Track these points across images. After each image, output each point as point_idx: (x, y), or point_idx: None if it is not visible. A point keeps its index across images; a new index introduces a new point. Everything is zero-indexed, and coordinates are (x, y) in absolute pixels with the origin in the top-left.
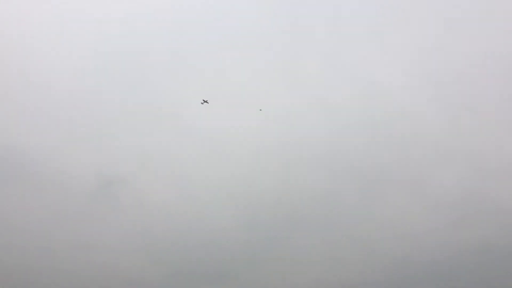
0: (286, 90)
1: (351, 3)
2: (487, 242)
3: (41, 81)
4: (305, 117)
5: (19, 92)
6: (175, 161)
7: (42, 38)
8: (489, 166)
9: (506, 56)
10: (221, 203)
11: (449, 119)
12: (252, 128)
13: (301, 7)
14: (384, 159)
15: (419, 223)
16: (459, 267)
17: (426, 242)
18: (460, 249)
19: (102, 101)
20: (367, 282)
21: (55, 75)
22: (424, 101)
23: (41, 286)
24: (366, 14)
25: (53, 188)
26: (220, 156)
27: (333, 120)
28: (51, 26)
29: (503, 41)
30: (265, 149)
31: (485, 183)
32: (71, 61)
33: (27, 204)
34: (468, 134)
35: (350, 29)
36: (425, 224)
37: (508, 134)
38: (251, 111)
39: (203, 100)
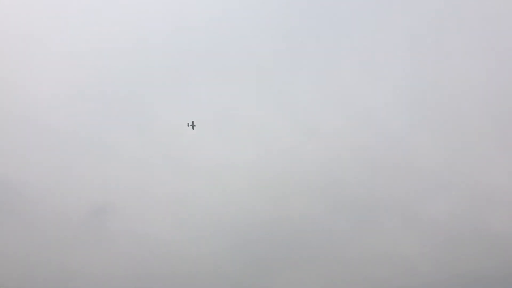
0: (279, 119)
1: (347, 38)
2: (481, 270)
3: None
4: (297, 147)
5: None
6: (170, 192)
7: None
8: (483, 195)
9: (503, 86)
10: (214, 232)
11: (444, 148)
12: (246, 159)
13: (294, 38)
14: (377, 187)
15: (413, 251)
16: None
17: (419, 270)
18: (454, 278)
19: (93, 128)
20: None
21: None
22: (418, 130)
23: None
24: (360, 43)
25: (42, 217)
26: (214, 187)
27: (326, 149)
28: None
29: (501, 72)
30: (258, 179)
31: (480, 211)
32: (62, 92)
33: (13, 233)
34: (462, 163)
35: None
36: (419, 251)
37: (502, 163)
38: (244, 141)
39: (190, 124)
